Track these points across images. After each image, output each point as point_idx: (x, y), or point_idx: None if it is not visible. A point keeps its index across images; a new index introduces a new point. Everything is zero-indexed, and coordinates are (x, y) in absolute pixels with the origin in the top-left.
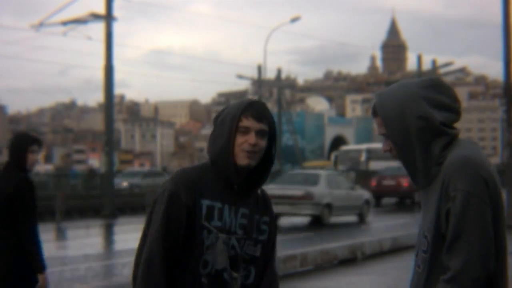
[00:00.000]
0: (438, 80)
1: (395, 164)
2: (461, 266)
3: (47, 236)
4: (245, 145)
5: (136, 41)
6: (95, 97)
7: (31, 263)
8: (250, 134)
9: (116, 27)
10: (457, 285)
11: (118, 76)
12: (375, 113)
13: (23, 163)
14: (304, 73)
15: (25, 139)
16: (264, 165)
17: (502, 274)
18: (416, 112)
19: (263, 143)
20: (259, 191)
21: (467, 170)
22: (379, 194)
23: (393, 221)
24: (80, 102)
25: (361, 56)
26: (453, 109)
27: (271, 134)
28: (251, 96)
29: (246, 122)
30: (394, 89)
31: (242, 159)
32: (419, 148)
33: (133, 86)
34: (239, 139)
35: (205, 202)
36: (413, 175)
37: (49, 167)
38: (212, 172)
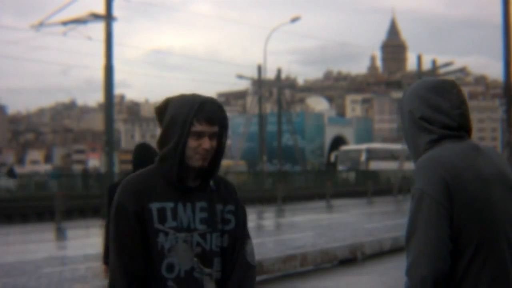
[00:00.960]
0: (449, 85)
1: (393, 164)
2: (410, 264)
3: (47, 236)
4: (199, 149)
5: (137, 41)
6: (96, 97)
7: None
8: (203, 139)
9: (117, 27)
10: (409, 282)
11: (119, 76)
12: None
13: None
14: (305, 73)
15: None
16: (214, 157)
17: (469, 274)
18: (408, 106)
19: (215, 143)
20: (222, 181)
21: (426, 169)
22: None
23: (393, 221)
24: (81, 102)
25: (362, 56)
26: (449, 114)
27: (225, 130)
28: (251, 96)
29: (199, 127)
30: (410, 87)
31: (196, 162)
32: (411, 140)
33: (134, 86)
34: (192, 143)
35: (155, 205)
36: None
37: (48, 167)
38: (160, 173)
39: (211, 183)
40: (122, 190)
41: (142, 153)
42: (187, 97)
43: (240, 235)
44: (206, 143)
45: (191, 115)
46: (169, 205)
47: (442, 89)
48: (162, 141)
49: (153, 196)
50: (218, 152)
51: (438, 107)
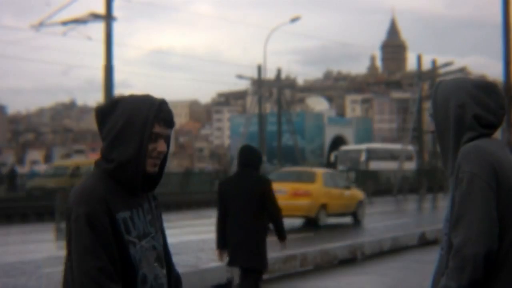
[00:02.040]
0: (494, 86)
1: (393, 164)
2: (462, 242)
3: (47, 236)
4: (154, 153)
5: (137, 41)
6: (96, 97)
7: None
8: (159, 142)
9: (117, 27)
10: (458, 260)
11: (120, 76)
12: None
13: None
14: (306, 73)
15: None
16: (162, 161)
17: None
18: (457, 100)
19: (167, 146)
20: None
21: (474, 154)
22: None
23: (393, 221)
24: (82, 102)
25: (363, 56)
26: (496, 114)
27: (170, 133)
28: (251, 96)
29: (158, 129)
30: (451, 80)
31: (149, 167)
32: (453, 138)
33: (135, 86)
34: (149, 146)
35: (120, 216)
36: (445, 162)
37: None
38: (112, 180)
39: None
40: (88, 200)
41: (247, 154)
42: (141, 97)
43: (163, 229)
44: (162, 146)
45: (151, 116)
46: (128, 214)
47: (489, 89)
48: (114, 145)
49: (116, 207)
50: (164, 158)
51: (488, 107)
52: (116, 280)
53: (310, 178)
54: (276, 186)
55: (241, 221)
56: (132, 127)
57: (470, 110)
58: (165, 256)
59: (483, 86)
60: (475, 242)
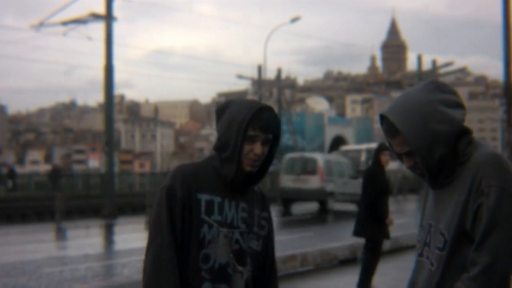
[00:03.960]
0: (438, 81)
1: (393, 164)
2: (490, 262)
3: (47, 236)
4: (250, 155)
5: (138, 41)
6: (96, 97)
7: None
8: (256, 144)
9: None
10: (484, 281)
11: (122, 76)
12: (392, 133)
13: (380, 161)
14: (308, 73)
15: (379, 146)
16: (263, 164)
17: None
18: (439, 117)
19: (266, 150)
20: (256, 188)
21: (501, 167)
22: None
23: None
24: (84, 102)
25: (363, 56)
26: (462, 105)
27: (278, 138)
28: (251, 96)
29: (253, 132)
30: (404, 104)
31: (246, 166)
32: (445, 152)
33: (137, 87)
34: (245, 147)
35: (204, 197)
36: (435, 177)
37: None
38: (213, 168)
39: (256, 188)
40: (174, 176)
41: None
42: (246, 103)
43: (272, 242)
44: (258, 148)
45: (246, 121)
46: (217, 199)
47: (442, 87)
48: (220, 142)
49: (203, 188)
50: (267, 160)
51: (455, 104)
52: (171, 247)
53: None
54: None
55: None
56: (231, 129)
57: (457, 118)
58: (258, 261)
59: (435, 88)
60: (504, 262)
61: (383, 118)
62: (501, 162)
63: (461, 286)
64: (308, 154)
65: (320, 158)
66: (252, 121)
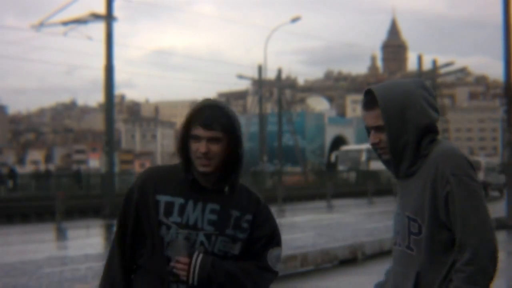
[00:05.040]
0: (424, 81)
1: None
2: (479, 243)
3: (47, 236)
4: (197, 154)
5: (139, 41)
6: (97, 97)
7: None
8: (201, 142)
9: (119, 28)
10: (480, 262)
11: (122, 76)
12: (370, 106)
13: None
14: (309, 73)
15: None
16: (233, 166)
17: None
18: (418, 108)
19: (216, 148)
20: (244, 190)
21: (460, 157)
22: None
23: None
24: (84, 102)
25: (365, 56)
26: (438, 110)
27: (233, 135)
28: (251, 97)
29: (196, 131)
30: (392, 86)
31: (198, 166)
32: (412, 142)
33: (138, 87)
34: (193, 146)
35: (163, 198)
36: (397, 166)
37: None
38: (179, 171)
39: (226, 188)
40: (137, 179)
41: None
42: (197, 102)
43: (257, 245)
44: (202, 147)
45: (187, 120)
46: (179, 201)
47: (427, 88)
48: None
49: (165, 189)
50: (232, 159)
51: (433, 106)
52: (123, 244)
53: None
54: None
55: None
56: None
57: (434, 117)
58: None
59: (422, 87)
60: (491, 240)
61: (367, 94)
62: (459, 154)
63: (460, 274)
64: (476, 157)
65: (482, 160)
66: (195, 120)
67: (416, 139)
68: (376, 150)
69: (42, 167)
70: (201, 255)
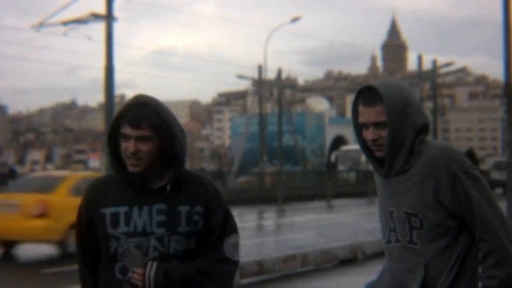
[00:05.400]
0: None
1: None
2: (504, 250)
3: None
4: (127, 152)
5: (139, 41)
6: (98, 97)
7: None
8: (130, 142)
9: (119, 28)
10: (500, 254)
11: (124, 76)
12: (371, 102)
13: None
14: (309, 73)
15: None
16: (172, 162)
17: None
18: (417, 108)
19: (145, 147)
20: (191, 182)
21: (458, 152)
22: None
23: None
24: (83, 102)
25: (365, 56)
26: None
27: (165, 132)
28: (251, 97)
29: (124, 130)
30: (393, 83)
31: (128, 166)
32: (409, 140)
33: (139, 87)
34: (123, 145)
35: (108, 211)
36: (391, 164)
37: (48, 167)
38: (119, 177)
39: (168, 186)
40: (83, 194)
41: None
42: (127, 99)
43: (213, 235)
44: (131, 146)
45: (114, 119)
46: (123, 209)
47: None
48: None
49: (108, 201)
50: (168, 156)
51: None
52: (86, 262)
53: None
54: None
55: None
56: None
57: (423, 113)
58: (195, 258)
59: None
60: (505, 231)
61: (366, 90)
62: (455, 150)
63: (492, 281)
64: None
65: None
66: (123, 118)
67: (413, 137)
68: (373, 145)
69: (40, 167)
70: (154, 265)
